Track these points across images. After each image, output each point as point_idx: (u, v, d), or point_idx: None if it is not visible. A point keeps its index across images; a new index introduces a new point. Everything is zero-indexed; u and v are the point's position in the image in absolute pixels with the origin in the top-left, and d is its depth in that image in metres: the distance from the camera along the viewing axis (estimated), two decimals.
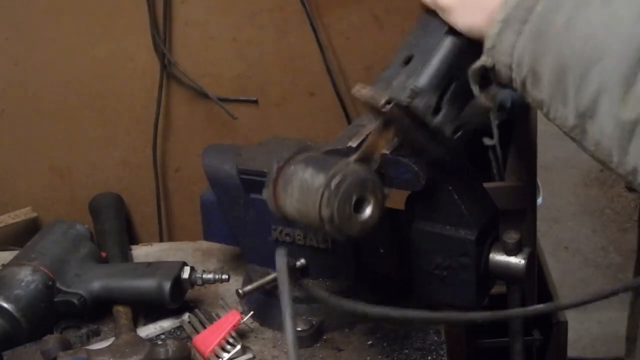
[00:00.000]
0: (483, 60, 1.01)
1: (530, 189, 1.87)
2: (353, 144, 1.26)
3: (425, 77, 1.08)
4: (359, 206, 1.12)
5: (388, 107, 1.09)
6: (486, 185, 1.37)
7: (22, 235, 1.79)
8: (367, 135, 1.24)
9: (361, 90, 1.12)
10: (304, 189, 1.12)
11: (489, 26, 0.98)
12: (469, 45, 1.07)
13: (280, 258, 1.05)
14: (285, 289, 0.79)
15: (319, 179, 1.10)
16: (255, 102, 1.85)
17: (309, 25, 1.77)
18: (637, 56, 0.85)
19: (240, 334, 1.36)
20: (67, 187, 1.91)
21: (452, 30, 1.08)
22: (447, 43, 1.08)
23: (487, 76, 1.03)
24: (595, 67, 0.88)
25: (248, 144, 1.56)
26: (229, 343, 1.33)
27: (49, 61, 1.81)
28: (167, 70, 1.82)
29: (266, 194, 1.17)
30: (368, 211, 1.13)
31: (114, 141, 1.88)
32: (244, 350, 1.34)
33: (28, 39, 1.79)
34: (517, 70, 0.97)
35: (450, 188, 1.25)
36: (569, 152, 3.79)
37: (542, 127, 1.76)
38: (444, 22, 1.08)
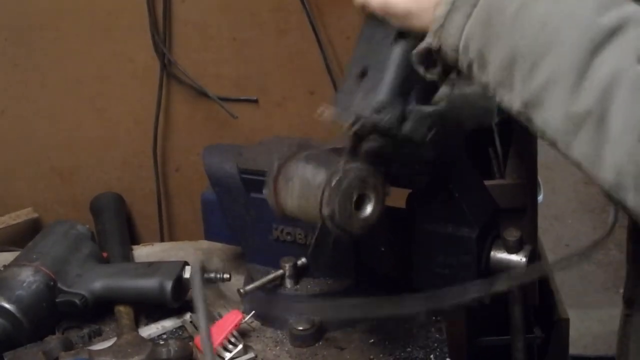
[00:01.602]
0: (428, 41, 0.99)
1: (530, 186, 1.87)
2: None
3: (383, 90, 1.07)
4: (360, 203, 1.12)
5: (355, 127, 1.08)
6: (487, 183, 1.38)
7: (23, 236, 1.79)
8: None
9: (325, 113, 1.11)
10: (304, 186, 1.12)
11: (436, 7, 0.97)
12: None
13: (195, 273, 1.03)
14: (200, 303, 0.77)
15: (320, 176, 1.10)
16: (256, 101, 1.85)
17: (309, 25, 1.77)
18: (591, 47, 0.83)
19: (242, 334, 1.36)
20: (67, 188, 1.91)
21: (399, 37, 1.06)
22: (398, 51, 1.07)
23: (432, 57, 1.01)
24: (547, 56, 0.87)
25: (248, 143, 1.56)
26: (230, 343, 1.33)
27: (49, 61, 1.81)
28: (167, 70, 1.82)
29: (267, 191, 1.17)
30: (369, 208, 1.13)
31: (114, 141, 1.88)
32: (245, 350, 1.34)
33: (28, 39, 1.79)
34: (463, 53, 0.96)
35: (451, 186, 1.25)
36: None
37: None
38: (389, 30, 1.06)
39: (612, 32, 0.83)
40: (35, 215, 1.88)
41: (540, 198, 1.96)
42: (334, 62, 1.81)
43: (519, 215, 1.86)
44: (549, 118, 0.88)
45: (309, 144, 1.21)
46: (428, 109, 1.09)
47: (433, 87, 1.09)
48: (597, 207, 3.63)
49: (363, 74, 1.09)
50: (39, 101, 1.84)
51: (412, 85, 1.08)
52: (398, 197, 1.27)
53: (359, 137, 1.12)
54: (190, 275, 1.06)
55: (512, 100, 0.92)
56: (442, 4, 0.96)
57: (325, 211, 1.10)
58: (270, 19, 1.79)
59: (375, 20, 1.08)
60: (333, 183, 1.09)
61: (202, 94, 1.82)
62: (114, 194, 1.86)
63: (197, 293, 0.75)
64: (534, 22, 0.89)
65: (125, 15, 1.78)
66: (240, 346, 1.33)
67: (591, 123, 0.83)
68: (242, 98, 1.84)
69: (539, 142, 1.89)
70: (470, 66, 0.96)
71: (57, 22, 1.78)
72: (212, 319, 1.42)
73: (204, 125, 1.87)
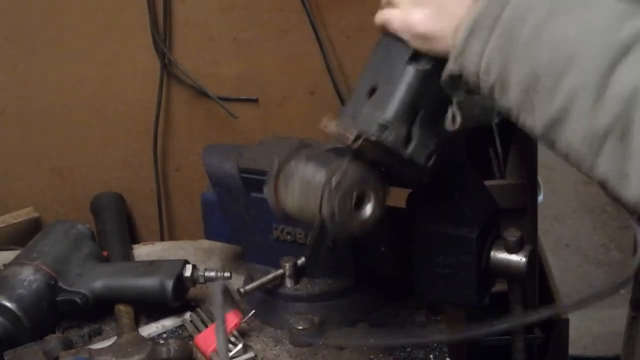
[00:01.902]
0: (450, 68, 0.99)
1: (531, 186, 1.87)
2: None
3: (391, 109, 1.06)
4: (359, 203, 1.12)
5: (358, 142, 1.07)
6: (487, 183, 1.38)
7: (24, 235, 1.79)
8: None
9: (329, 126, 1.11)
10: (304, 185, 1.12)
11: (455, 34, 0.97)
12: (433, 71, 1.05)
13: (218, 293, 1.03)
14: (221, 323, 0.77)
15: (320, 176, 1.10)
16: (256, 101, 1.85)
17: (309, 25, 1.77)
18: (610, 61, 0.83)
19: (242, 333, 1.36)
20: (68, 187, 1.91)
21: (414, 57, 1.06)
22: (411, 71, 1.06)
23: (455, 84, 1.01)
24: (566, 73, 0.86)
25: (248, 143, 1.56)
26: (230, 342, 1.33)
27: (49, 62, 1.81)
28: (168, 70, 1.82)
29: (267, 190, 1.17)
30: (369, 208, 1.13)
31: (114, 141, 1.88)
32: (245, 349, 1.34)
33: (28, 39, 1.79)
34: (484, 79, 0.95)
35: (451, 186, 1.25)
36: None
37: None
38: (405, 48, 1.06)
39: (631, 45, 0.82)
40: (36, 214, 1.88)
41: (540, 198, 1.96)
42: (334, 62, 1.81)
43: (519, 215, 1.86)
44: (571, 137, 0.87)
45: (309, 144, 1.21)
46: (433, 134, 1.09)
47: (440, 113, 1.07)
48: (597, 207, 3.62)
49: (373, 90, 1.08)
50: (39, 101, 1.84)
51: (420, 108, 1.07)
52: (398, 197, 1.27)
53: (360, 153, 1.11)
54: (213, 295, 1.07)
55: (535, 122, 0.91)
56: (460, 31, 0.96)
57: (325, 211, 1.09)
58: (270, 19, 1.79)
59: (392, 37, 1.07)
60: (333, 183, 1.09)
61: (203, 93, 1.82)
62: (114, 193, 1.86)
63: (218, 313, 0.75)
64: (551, 41, 0.88)
65: (125, 15, 1.78)
66: (240, 346, 1.33)
67: (614, 139, 0.82)
68: (242, 98, 1.84)
69: (539, 141, 1.89)
70: (492, 91, 0.95)
71: (57, 22, 1.78)
72: (212, 318, 1.42)
73: (204, 125, 1.87)
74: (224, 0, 1.78)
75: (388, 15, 1.07)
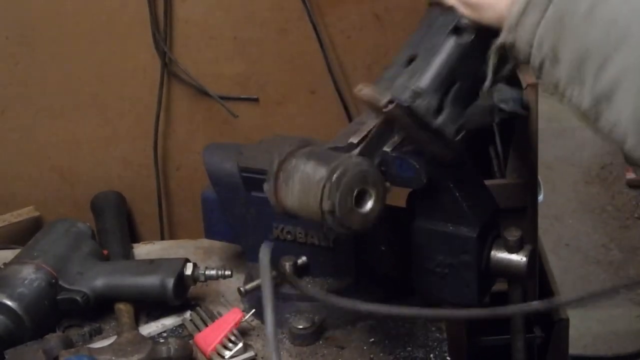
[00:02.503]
0: (504, 37, 1.01)
1: (531, 186, 1.87)
2: (354, 140, 1.26)
3: (427, 77, 1.08)
4: (360, 199, 1.12)
5: (390, 107, 1.09)
6: (487, 182, 1.38)
7: (25, 234, 1.79)
8: (368, 133, 1.24)
9: (363, 90, 1.12)
10: (305, 182, 1.12)
11: (512, 4, 0.99)
12: (473, 46, 1.07)
13: (265, 254, 1.04)
14: (268, 286, 0.77)
15: (321, 172, 1.10)
16: (256, 100, 1.85)
17: (310, 24, 1.77)
18: None
19: (242, 332, 1.36)
20: (68, 186, 1.91)
21: (455, 31, 1.07)
22: (451, 44, 1.08)
23: (504, 55, 1.03)
24: (617, 53, 0.89)
25: (249, 142, 1.56)
26: (230, 341, 1.34)
27: (49, 61, 1.81)
28: (168, 69, 1.82)
29: (267, 188, 1.17)
30: (369, 204, 1.13)
31: (115, 140, 1.88)
32: (245, 349, 1.34)
33: (28, 38, 1.80)
34: (537, 50, 0.98)
35: (451, 185, 1.25)
36: (570, 149, 3.79)
37: (543, 125, 1.76)
38: (450, 18, 1.07)
39: None
40: (37, 213, 1.88)
41: (540, 198, 1.96)
42: (334, 61, 1.81)
43: (519, 214, 1.86)
44: (617, 114, 0.90)
45: (310, 142, 1.21)
46: (465, 109, 1.10)
47: (474, 91, 1.09)
48: (597, 207, 3.62)
49: (411, 59, 1.10)
50: (40, 100, 1.84)
51: (455, 81, 1.09)
52: (398, 197, 1.28)
53: (390, 120, 1.12)
54: (260, 256, 1.07)
55: (583, 96, 0.94)
56: (517, 2, 0.98)
57: (326, 206, 1.09)
58: (271, 18, 1.79)
59: (437, 9, 1.09)
60: (334, 178, 1.09)
61: (203, 92, 1.82)
62: (114, 192, 1.86)
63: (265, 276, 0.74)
64: (605, 19, 0.91)
65: (126, 14, 1.78)
66: (240, 344, 1.33)
67: None
68: (242, 97, 1.84)
69: (540, 141, 1.89)
70: (542, 63, 0.98)
71: (58, 21, 1.78)
72: (212, 317, 1.42)
73: (205, 124, 1.87)
74: None
75: None
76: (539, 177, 1.93)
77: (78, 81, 1.83)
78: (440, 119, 1.09)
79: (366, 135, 1.26)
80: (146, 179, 1.90)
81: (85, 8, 1.78)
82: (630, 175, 3.69)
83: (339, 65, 1.82)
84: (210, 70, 1.83)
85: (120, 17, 1.79)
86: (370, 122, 1.28)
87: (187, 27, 1.80)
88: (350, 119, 1.82)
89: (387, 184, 1.16)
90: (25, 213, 1.88)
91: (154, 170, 1.89)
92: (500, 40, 1.02)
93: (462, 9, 1.07)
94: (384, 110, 1.09)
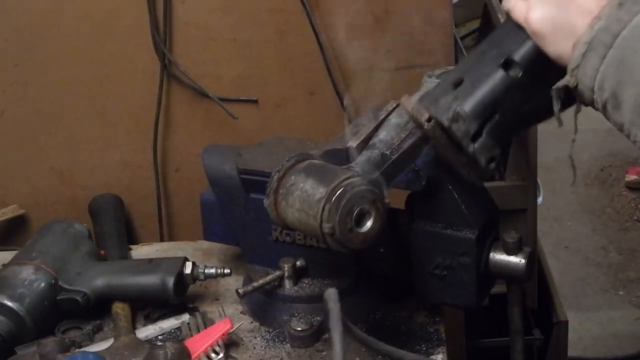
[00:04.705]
0: (566, 79, 1.01)
1: (530, 188, 1.87)
2: (353, 143, 1.27)
3: (470, 103, 1.09)
4: (360, 219, 1.13)
5: (429, 124, 1.10)
6: (486, 184, 1.38)
7: (9, 233, 1.81)
8: (367, 135, 1.25)
9: (407, 102, 1.13)
10: (304, 201, 1.13)
11: (574, 47, 0.99)
12: (520, 82, 1.08)
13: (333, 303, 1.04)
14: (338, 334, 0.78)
15: (320, 192, 1.11)
16: (255, 102, 1.85)
17: (309, 25, 1.77)
18: None
19: (230, 343, 1.36)
20: (67, 188, 1.91)
21: (506, 64, 1.08)
22: (500, 74, 1.09)
23: (570, 96, 1.04)
24: None
25: (248, 144, 1.56)
26: (214, 351, 1.33)
27: (49, 62, 1.81)
28: (168, 70, 1.82)
29: (267, 203, 1.18)
30: (369, 224, 1.13)
31: (114, 141, 1.88)
32: None
33: (28, 39, 1.79)
34: (598, 93, 0.98)
35: (450, 187, 1.25)
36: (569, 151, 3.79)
37: (543, 127, 1.76)
38: (502, 51, 1.09)
39: None
40: (22, 211, 1.88)
41: (539, 199, 1.97)
42: (334, 63, 1.81)
43: (519, 216, 1.86)
44: None
45: (309, 153, 1.21)
46: (501, 141, 1.12)
47: (514, 124, 1.12)
48: (596, 209, 3.63)
49: (459, 82, 1.11)
50: (39, 101, 1.84)
51: (496, 111, 1.10)
52: (398, 198, 1.27)
53: (427, 137, 1.13)
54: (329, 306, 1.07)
55: None
56: (579, 44, 0.98)
57: (326, 228, 1.10)
58: (270, 19, 1.79)
59: (494, 39, 1.11)
60: (333, 199, 1.10)
61: (202, 94, 1.82)
62: (112, 195, 1.85)
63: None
64: None
65: (125, 15, 1.78)
66: (220, 355, 1.32)
67: None
68: (242, 98, 1.84)
69: (539, 143, 1.89)
70: (605, 106, 0.98)
71: (57, 22, 1.78)
72: (208, 323, 1.42)
73: (204, 125, 1.87)
74: (224, 0, 1.78)
75: (512, 5, 1.08)
76: (539, 179, 1.93)
77: (77, 83, 1.83)
78: (475, 146, 1.10)
79: (366, 137, 1.26)
80: (145, 180, 1.90)
81: (85, 9, 1.78)
82: (630, 178, 3.70)
83: (338, 66, 1.82)
84: (209, 71, 1.82)
85: (120, 19, 1.78)
86: (370, 124, 1.29)
87: (186, 28, 1.80)
88: (349, 120, 1.82)
89: (387, 200, 1.16)
90: (9, 212, 1.87)
91: (153, 171, 1.88)
92: (563, 82, 1.02)
93: (529, 33, 1.06)
94: (425, 127, 1.10)
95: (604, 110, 0.99)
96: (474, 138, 1.09)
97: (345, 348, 0.74)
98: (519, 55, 1.08)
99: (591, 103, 1.01)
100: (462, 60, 1.16)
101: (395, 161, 1.20)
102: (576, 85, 1.00)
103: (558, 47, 1.02)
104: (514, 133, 1.18)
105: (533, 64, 1.08)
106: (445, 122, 1.09)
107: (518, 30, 1.08)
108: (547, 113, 1.08)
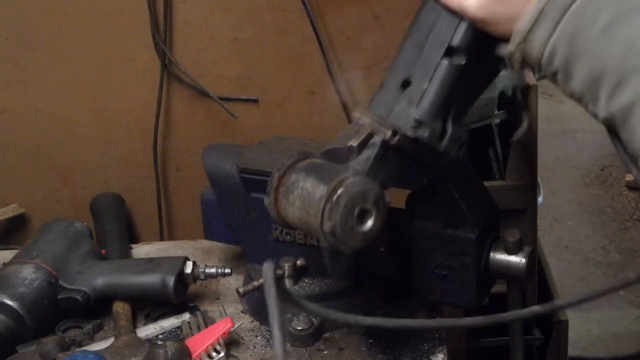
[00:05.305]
0: (508, 50, 1.00)
1: (530, 188, 1.87)
2: (353, 143, 1.26)
3: (426, 105, 1.08)
4: (361, 218, 1.13)
5: (395, 138, 1.10)
6: (487, 184, 1.38)
7: (10, 233, 1.81)
8: (368, 134, 1.24)
9: (363, 118, 1.12)
10: (305, 200, 1.13)
11: (517, 20, 0.98)
12: (467, 66, 1.07)
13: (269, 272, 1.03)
14: (274, 303, 0.78)
15: (320, 191, 1.11)
16: (256, 101, 1.85)
17: (310, 25, 1.77)
18: None
19: (231, 342, 1.36)
20: (67, 187, 1.91)
21: (449, 52, 1.07)
22: (445, 66, 1.07)
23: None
24: (634, 76, 0.88)
25: (248, 143, 1.56)
26: (215, 350, 1.33)
27: (49, 61, 1.81)
28: (168, 70, 1.82)
29: (267, 202, 1.17)
30: (370, 223, 1.13)
31: (114, 140, 1.88)
32: (227, 359, 1.33)
33: (28, 39, 1.79)
34: (547, 65, 0.98)
35: (450, 187, 1.25)
36: (570, 151, 3.80)
37: (543, 126, 1.76)
38: (441, 39, 1.07)
39: None
40: (22, 211, 1.88)
41: (540, 199, 1.96)
42: (334, 62, 1.81)
43: (519, 216, 1.86)
44: (632, 132, 0.90)
45: (309, 152, 1.21)
46: (464, 124, 1.12)
47: (470, 103, 1.11)
48: (596, 209, 3.63)
49: (406, 83, 1.10)
50: (39, 100, 1.84)
51: (452, 105, 1.09)
52: (398, 198, 1.27)
53: (390, 146, 1.12)
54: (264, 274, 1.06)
55: (597, 111, 0.95)
56: (524, 19, 0.98)
57: (326, 227, 1.10)
58: (271, 19, 1.79)
59: (425, 25, 1.09)
60: (334, 198, 1.10)
61: (203, 93, 1.82)
62: (113, 194, 1.85)
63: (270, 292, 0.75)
64: (622, 42, 0.90)
65: (125, 14, 1.78)
66: (221, 354, 1.32)
67: None
68: (242, 98, 1.84)
69: (539, 143, 1.89)
70: (554, 75, 0.98)
71: (57, 21, 1.78)
72: (209, 322, 1.42)
73: (204, 124, 1.87)
74: (225, 0, 1.78)
75: None
76: (539, 179, 1.93)
77: (77, 82, 1.83)
78: (444, 142, 1.10)
79: (366, 137, 1.26)
80: (146, 179, 1.90)
81: (85, 8, 1.78)
82: (630, 177, 3.69)
83: (338, 66, 1.82)
84: (210, 71, 1.82)
85: (120, 18, 1.78)
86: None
87: (187, 28, 1.80)
88: (349, 119, 1.82)
89: (388, 199, 1.16)
90: (10, 211, 1.87)
91: (154, 171, 1.89)
92: (504, 52, 1.01)
93: (467, 18, 1.05)
94: (391, 142, 1.10)
95: (552, 79, 0.99)
96: (441, 136, 1.10)
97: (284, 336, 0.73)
98: (458, 40, 1.07)
99: (538, 70, 1.00)
100: (400, 54, 1.12)
101: (368, 174, 1.19)
102: (524, 53, 1.00)
103: (501, 28, 1.02)
104: (473, 104, 1.16)
105: (474, 44, 1.07)
106: (410, 133, 1.09)
107: (446, 11, 1.06)
108: (496, 72, 1.08)
